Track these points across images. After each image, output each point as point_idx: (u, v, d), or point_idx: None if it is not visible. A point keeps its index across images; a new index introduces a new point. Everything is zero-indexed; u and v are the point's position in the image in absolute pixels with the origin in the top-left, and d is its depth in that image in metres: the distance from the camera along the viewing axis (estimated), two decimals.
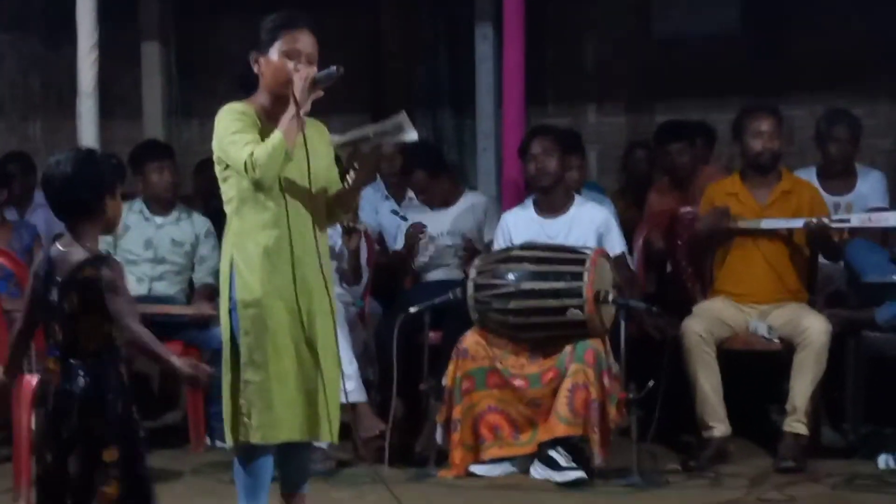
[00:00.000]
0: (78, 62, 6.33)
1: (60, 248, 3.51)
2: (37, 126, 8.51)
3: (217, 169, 4.01)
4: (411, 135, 3.97)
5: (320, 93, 3.93)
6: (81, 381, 3.42)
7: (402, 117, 3.97)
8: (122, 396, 3.46)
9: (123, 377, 3.50)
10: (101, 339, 3.45)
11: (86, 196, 3.48)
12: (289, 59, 3.94)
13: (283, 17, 3.98)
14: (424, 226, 6.14)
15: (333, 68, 3.90)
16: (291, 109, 3.88)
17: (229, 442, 4.01)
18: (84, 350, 3.44)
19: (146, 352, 3.47)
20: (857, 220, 5.50)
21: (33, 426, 3.69)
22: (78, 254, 3.46)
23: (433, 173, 6.27)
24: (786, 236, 5.58)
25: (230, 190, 3.99)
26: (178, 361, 3.48)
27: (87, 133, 6.39)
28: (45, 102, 8.32)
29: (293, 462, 4.13)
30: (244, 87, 4.03)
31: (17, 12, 8.32)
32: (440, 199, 6.27)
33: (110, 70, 7.22)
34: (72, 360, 3.44)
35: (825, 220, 5.44)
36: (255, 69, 4.01)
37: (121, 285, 3.46)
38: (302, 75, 3.88)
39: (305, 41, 3.96)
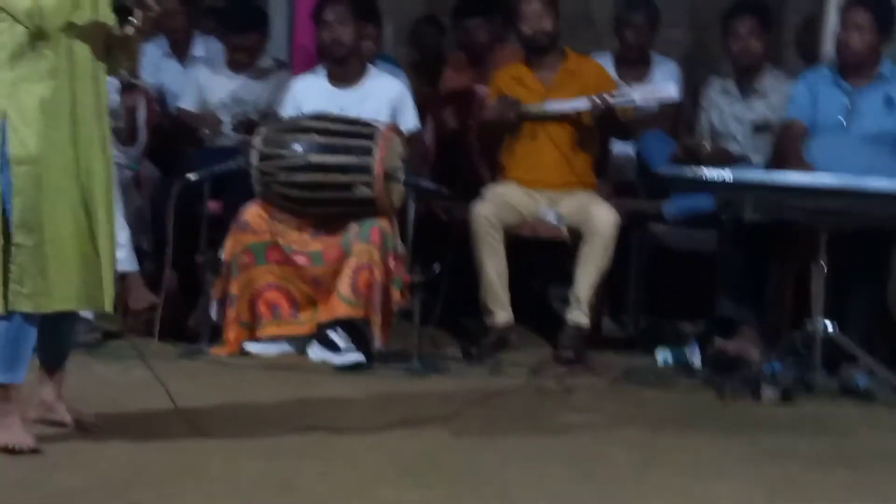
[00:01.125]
0: None
1: None
2: None
3: None
4: None
5: None
6: None
7: None
8: None
9: None
10: None
11: None
12: None
13: None
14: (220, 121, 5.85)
15: None
16: None
17: None
18: None
19: None
20: (638, 94, 5.43)
21: None
22: None
23: (263, 34, 5.93)
24: (573, 119, 5.48)
25: (1, 36, 3.63)
26: None
27: None
28: None
29: (58, 333, 3.84)
30: None
31: None
32: (245, 62, 5.95)
33: None
34: None
35: (609, 99, 5.35)
36: None
37: None
38: None
39: None
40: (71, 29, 3.64)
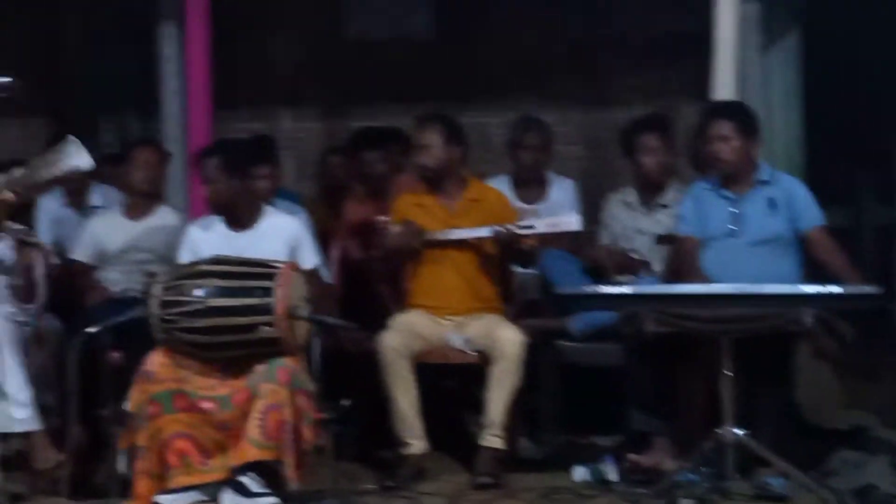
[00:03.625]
0: None
1: None
2: None
3: None
4: (84, 161, 3.67)
5: None
6: None
7: (73, 145, 3.65)
8: None
9: None
10: None
11: None
12: None
13: None
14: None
15: (5, 80, 3.53)
16: None
17: None
18: None
19: None
20: (542, 225, 5.49)
21: None
22: None
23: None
24: (476, 246, 5.52)
25: None
26: None
27: None
28: None
29: None
30: None
31: None
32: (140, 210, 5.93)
33: None
34: None
35: (512, 228, 5.41)
36: None
37: None
38: None
39: None
40: None
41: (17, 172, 3.60)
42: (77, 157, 3.63)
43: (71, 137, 3.64)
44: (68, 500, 4.93)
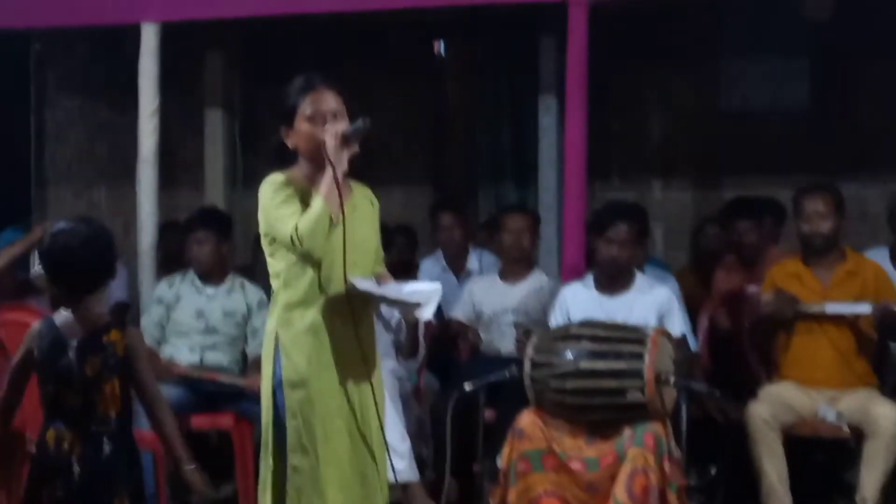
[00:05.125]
0: (139, 128, 6.33)
1: (66, 313, 3.53)
2: (101, 192, 8.52)
3: (264, 242, 3.92)
4: (426, 314, 3.91)
5: (355, 148, 3.83)
6: (107, 448, 3.38)
7: (433, 297, 3.90)
8: (138, 462, 3.46)
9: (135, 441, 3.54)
10: (121, 405, 3.43)
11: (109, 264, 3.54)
12: (314, 123, 3.86)
13: (299, 84, 3.90)
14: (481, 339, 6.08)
15: (360, 121, 3.81)
16: (329, 172, 3.79)
17: None
18: (103, 417, 3.41)
19: (164, 435, 3.50)
20: None
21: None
22: (97, 318, 3.46)
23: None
24: (851, 320, 5.39)
25: (278, 263, 3.89)
26: (188, 465, 3.48)
27: (147, 200, 6.37)
28: (111, 168, 8.33)
29: None
30: (280, 161, 3.98)
31: (84, 78, 8.39)
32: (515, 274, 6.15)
33: (175, 137, 7.22)
34: (93, 428, 3.40)
35: (891, 305, 5.25)
36: (289, 143, 3.94)
37: (145, 352, 3.51)
38: (330, 133, 3.79)
39: (327, 100, 3.87)
40: (331, 254, 3.82)
41: (375, 288, 3.86)
42: (423, 312, 3.90)
43: (432, 291, 3.91)
44: None
